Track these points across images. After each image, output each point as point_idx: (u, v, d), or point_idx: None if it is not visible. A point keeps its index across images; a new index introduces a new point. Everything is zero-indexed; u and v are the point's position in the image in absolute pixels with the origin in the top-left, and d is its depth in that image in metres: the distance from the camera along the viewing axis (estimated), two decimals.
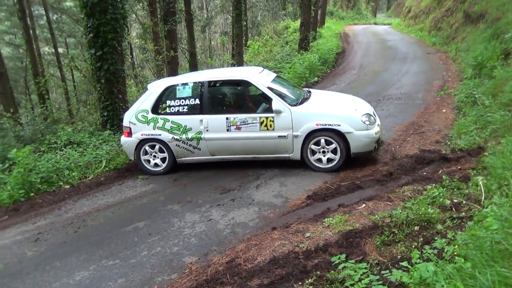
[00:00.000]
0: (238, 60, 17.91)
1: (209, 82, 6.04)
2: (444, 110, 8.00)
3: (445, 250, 3.13)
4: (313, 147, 5.64)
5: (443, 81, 10.43)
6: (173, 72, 13.38)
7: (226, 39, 28.50)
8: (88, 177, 6.47)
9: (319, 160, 5.69)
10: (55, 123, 11.26)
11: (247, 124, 5.72)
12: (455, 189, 4.46)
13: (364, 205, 4.45)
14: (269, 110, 5.69)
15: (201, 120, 5.86)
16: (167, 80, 6.42)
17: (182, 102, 5.97)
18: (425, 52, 15.28)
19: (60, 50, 25.04)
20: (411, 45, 17.56)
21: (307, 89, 6.99)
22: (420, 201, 4.22)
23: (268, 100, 5.72)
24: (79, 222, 4.97)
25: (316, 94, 6.55)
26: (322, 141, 5.59)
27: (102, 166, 6.70)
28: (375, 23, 31.67)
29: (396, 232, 3.73)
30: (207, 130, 5.86)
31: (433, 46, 16.44)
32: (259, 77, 6.03)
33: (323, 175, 5.58)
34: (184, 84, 6.08)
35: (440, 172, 5.13)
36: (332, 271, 3.28)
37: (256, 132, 5.72)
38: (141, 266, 3.87)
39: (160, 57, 13.86)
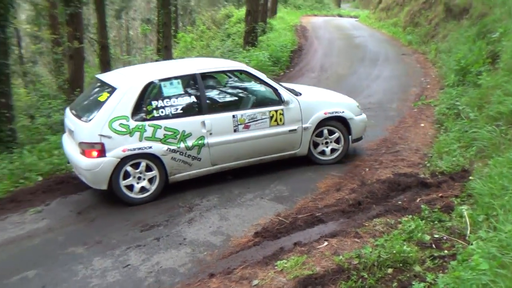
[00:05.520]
0: (165, 55, 17.81)
1: (202, 74, 6.18)
2: (422, 124, 8.48)
3: None
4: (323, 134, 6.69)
5: (421, 89, 11.07)
6: (77, 70, 13.04)
7: (149, 28, 28.28)
8: None
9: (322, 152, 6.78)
10: None
11: (256, 120, 6.17)
12: (436, 222, 4.73)
13: (326, 243, 4.57)
14: (273, 102, 6.29)
15: (203, 122, 5.93)
16: (140, 73, 6.28)
17: (174, 101, 5.89)
18: (399, 53, 16.14)
19: None
20: (383, 44, 18.47)
21: None
22: (394, 237, 4.42)
23: (273, 90, 6.30)
24: None
25: (297, 86, 7.51)
26: (325, 131, 6.67)
27: None
28: (339, 15, 33.02)
29: (366, 276, 3.86)
30: (210, 134, 5.97)
31: (409, 45, 17.42)
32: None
33: (275, 205, 5.68)
34: (170, 79, 5.97)
35: (418, 200, 5.41)
36: None
37: (266, 129, 6.27)
38: None
39: (60, 49, 13.49)
